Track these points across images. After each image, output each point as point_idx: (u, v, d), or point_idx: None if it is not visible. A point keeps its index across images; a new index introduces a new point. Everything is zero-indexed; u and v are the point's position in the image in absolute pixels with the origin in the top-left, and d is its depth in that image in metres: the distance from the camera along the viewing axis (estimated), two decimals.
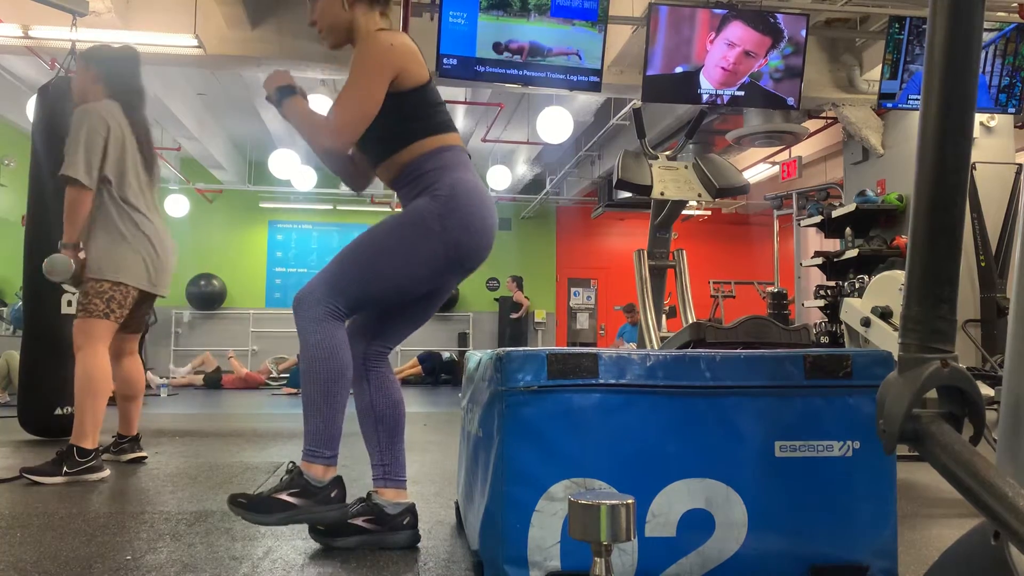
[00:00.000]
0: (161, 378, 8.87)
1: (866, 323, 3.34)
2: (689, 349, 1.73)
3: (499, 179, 9.90)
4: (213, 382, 9.61)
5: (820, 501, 1.51)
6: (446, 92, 7.74)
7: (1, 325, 9.52)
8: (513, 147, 10.68)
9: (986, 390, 2.91)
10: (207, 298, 11.48)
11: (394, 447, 1.94)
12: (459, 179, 1.86)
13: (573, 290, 13.01)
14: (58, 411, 3.73)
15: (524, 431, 1.46)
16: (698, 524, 1.49)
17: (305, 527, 1.98)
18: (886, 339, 3.22)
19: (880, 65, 5.49)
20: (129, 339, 3.17)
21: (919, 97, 1.26)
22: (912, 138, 6.14)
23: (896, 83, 5.44)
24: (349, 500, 1.88)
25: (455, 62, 4.83)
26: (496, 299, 12.16)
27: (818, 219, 6.70)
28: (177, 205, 10.54)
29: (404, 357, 11.07)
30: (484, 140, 9.50)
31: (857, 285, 5.83)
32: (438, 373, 10.56)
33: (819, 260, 6.65)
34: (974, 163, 5.82)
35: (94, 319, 2.82)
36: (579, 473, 1.47)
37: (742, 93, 5.26)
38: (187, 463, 3.22)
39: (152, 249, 2.95)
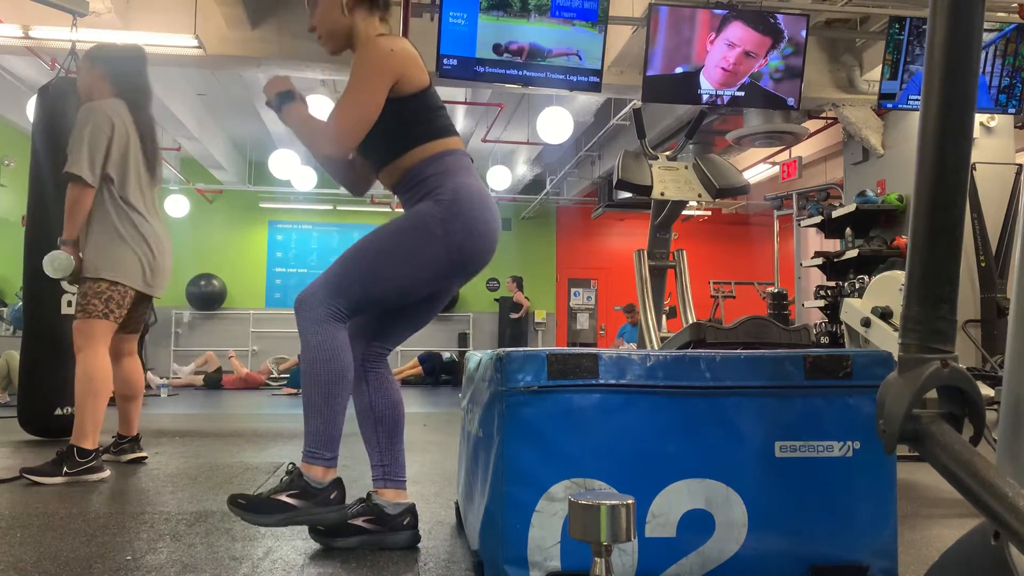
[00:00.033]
0: (161, 378, 8.87)
1: (866, 323, 3.34)
2: (689, 349, 1.73)
3: (499, 179, 9.90)
4: (213, 382, 9.61)
5: (820, 501, 1.51)
6: (446, 92, 7.74)
7: (1, 325, 9.52)
8: (513, 147, 10.69)
9: (986, 390, 2.91)
10: (207, 298, 11.48)
11: (394, 447, 1.94)
12: (462, 183, 1.86)
13: (573, 290, 13.01)
14: (58, 411, 3.73)
15: (524, 431, 1.46)
16: (698, 524, 1.49)
17: (305, 527, 1.98)
18: (886, 339, 3.22)
19: (880, 65, 5.49)
20: (128, 339, 3.17)
21: (919, 97, 1.26)
22: (912, 138, 6.14)
23: (896, 83, 5.44)
24: (349, 500, 1.88)
25: (455, 62, 4.83)
26: (496, 299, 12.16)
27: (818, 219, 6.70)
28: (177, 205, 10.55)
29: (404, 357, 11.07)
30: (484, 140, 9.50)
31: (857, 285, 5.83)
32: (438, 373, 10.56)
33: (819, 260, 6.65)
34: (974, 163, 5.82)
35: (93, 319, 2.82)
36: (579, 473, 1.47)
37: (742, 93, 5.26)
38: (187, 463, 3.21)
39: (149, 250, 2.95)
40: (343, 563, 1.74)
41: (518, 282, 11.26)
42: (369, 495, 1.90)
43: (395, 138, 1.88)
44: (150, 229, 2.97)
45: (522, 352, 1.49)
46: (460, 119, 9.07)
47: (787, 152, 8.77)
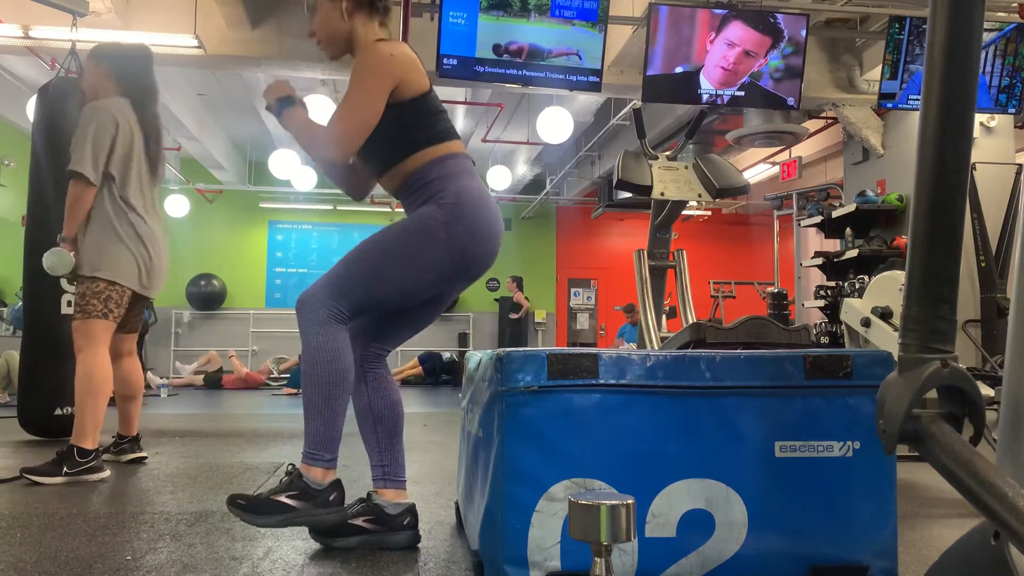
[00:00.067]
0: (161, 378, 8.87)
1: (866, 323, 3.34)
2: (689, 349, 1.73)
3: (499, 179, 9.90)
4: (213, 382, 9.61)
5: (820, 501, 1.51)
6: (446, 92, 7.74)
7: (1, 325, 9.52)
8: (513, 147, 10.69)
9: (986, 390, 2.91)
10: (207, 298, 11.48)
11: (393, 448, 1.94)
12: (464, 187, 1.86)
13: (573, 290, 13.01)
14: (58, 411, 3.73)
15: (524, 431, 1.46)
16: (698, 524, 1.49)
17: (305, 527, 1.98)
18: (886, 339, 3.22)
19: (880, 65, 5.49)
20: (126, 339, 3.17)
21: (919, 97, 1.26)
22: (912, 138, 6.14)
23: (896, 83, 5.44)
24: (349, 500, 1.88)
25: (455, 62, 4.83)
26: (496, 299, 12.16)
27: (818, 219, 6.70)
28: (177, 205, 10.55)
29: (404, 357, 11.07)
30: (484, 140, 9.50)
31: (857, 285, 5.83)
32: (438, 373, 10.56)
33: (819, 260, 6.65)
34: (974, 163, 5.82)
35: (93, 319, 2.82)
36: (579, 473, 1.47)
37: (742, 93, 5.26)
38: (187, 463, 3.21)
39: (145, 251, 2.95)
40: (343, 563, 1.74)
41: (518, 282, 11.26)
42: (369, 495, 1.90)
43: (396, 143, 1.88)
44: (147, 230, 2.97)
45: (522, 352, 1.49)
46: (460, 119, 9.06)
47: (787, 152, 8.77)
